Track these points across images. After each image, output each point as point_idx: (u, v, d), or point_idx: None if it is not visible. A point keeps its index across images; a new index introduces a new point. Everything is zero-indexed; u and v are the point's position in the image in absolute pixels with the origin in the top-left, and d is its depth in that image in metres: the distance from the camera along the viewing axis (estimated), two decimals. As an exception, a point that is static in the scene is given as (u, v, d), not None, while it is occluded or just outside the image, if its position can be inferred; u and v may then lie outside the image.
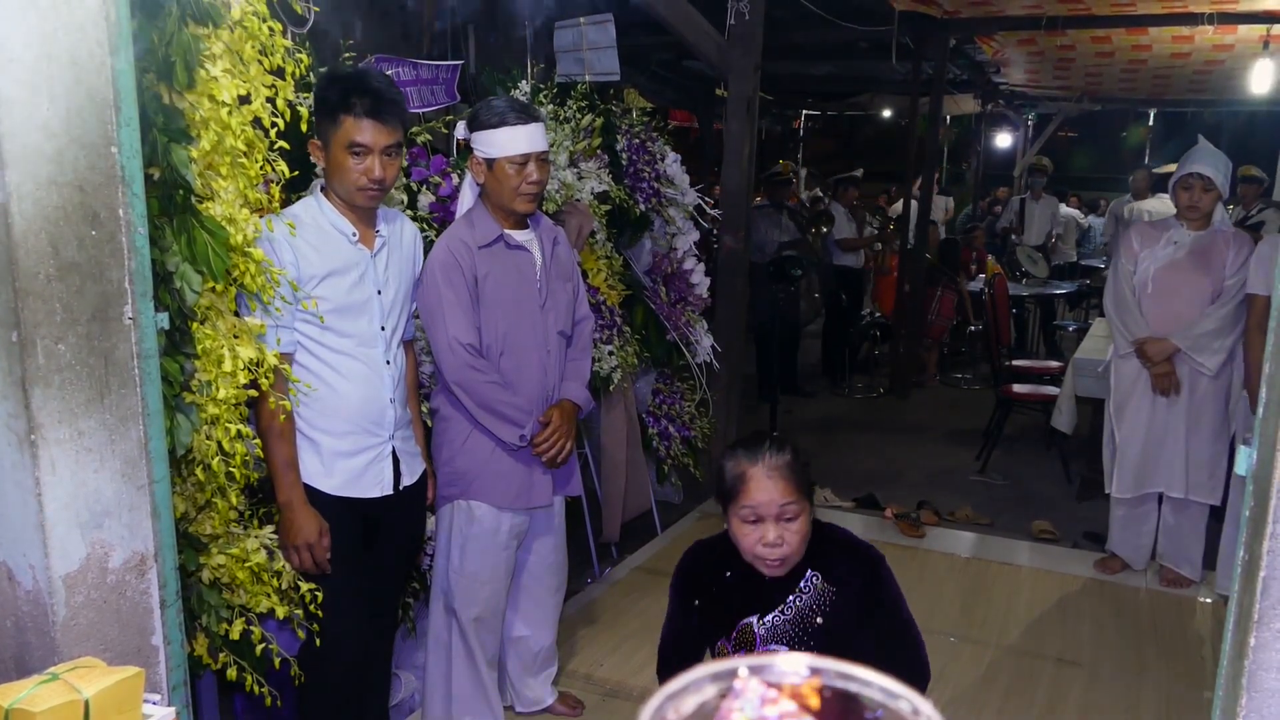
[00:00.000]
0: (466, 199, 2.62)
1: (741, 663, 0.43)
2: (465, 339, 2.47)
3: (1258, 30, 6.41)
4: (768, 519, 1.83)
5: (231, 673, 2.01)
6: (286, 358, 2.17)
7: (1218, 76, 8.47)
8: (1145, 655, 3.40)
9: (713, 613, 1.97)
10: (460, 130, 2.61)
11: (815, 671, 0.42)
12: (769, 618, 1.90)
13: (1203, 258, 3.68)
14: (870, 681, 0.42)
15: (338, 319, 2.25)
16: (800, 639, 1.88)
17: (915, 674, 1.92)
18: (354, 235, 2.28)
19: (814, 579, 1.90)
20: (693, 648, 2.02)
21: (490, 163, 2.49)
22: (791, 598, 1.90)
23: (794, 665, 0.43)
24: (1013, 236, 9.43)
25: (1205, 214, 3.70)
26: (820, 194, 7.85)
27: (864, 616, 1.90)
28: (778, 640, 1.89)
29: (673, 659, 2.05)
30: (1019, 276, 8.73)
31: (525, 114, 2.50)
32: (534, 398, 2.59)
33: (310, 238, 2.22)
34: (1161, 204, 8.45)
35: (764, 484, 1.83)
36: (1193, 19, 6.14)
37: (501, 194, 2.50)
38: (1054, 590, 3.91)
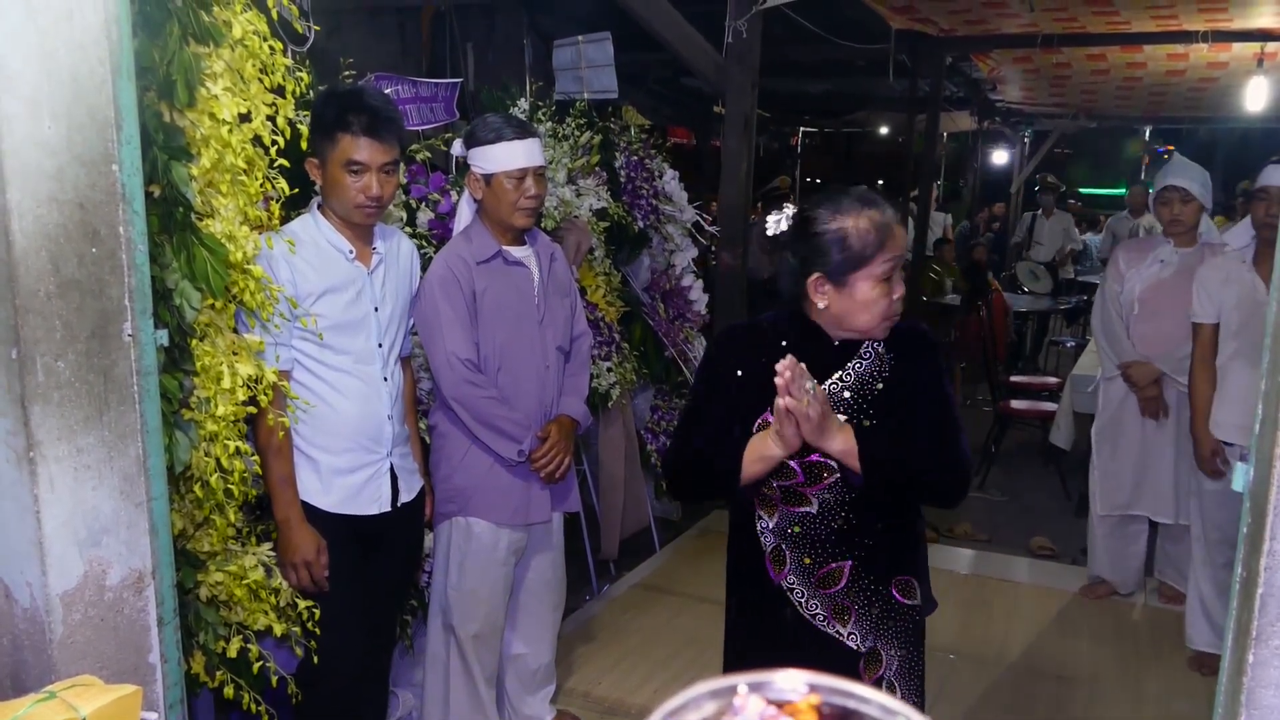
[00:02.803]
0: (464, 216, 2.63)
1: (741, 680, 0.43)
2: (463, 354, 2.47)
3: (1251, 48, 6.46)
4: (895, 272, 1.76)
5: (229, 691, 2.00)
6: (284, 375, 2.17)
7: (1213, 93, 8.52)
8: (1145, 672, 3.39)
9: (760, 384, 1.79)
10: (456, 148, 2.63)
11: (813, 689, 0.43)
12: (828, 384, 1.81)
13: (1189, 276, 3.54)
14: (868, 699, 0.43)
15: (335, 336, 2.25)
16: (859, 405, 1.81)
17: (955, 465, 1.82)
18: (351, 252, 2.28)
19: (874, 345, 1.83)
20: (723, 428, 1.87)
21: (488, 178, 2.50)
22: (852, 364, 1.82)
23: (792, 683, 0.43)
24: (1024, 252, 9.48)
25: (1190, 227, 3.63)
26: None
27: (918, 390, 1.82)
28: (837, 407, 1.80)
29: (692, 441, 1.90)
30: (1020, 293, 8.77)
31: (522, 129, 2.52)
32: (532, 413, 2.59)
33: (307, 255, 2.22)
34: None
35: (898, 231, 1.77)
36: (1187, 37, 6.19)
37: (500, 209, 2.51)
38: (1053, 606, 3.90)
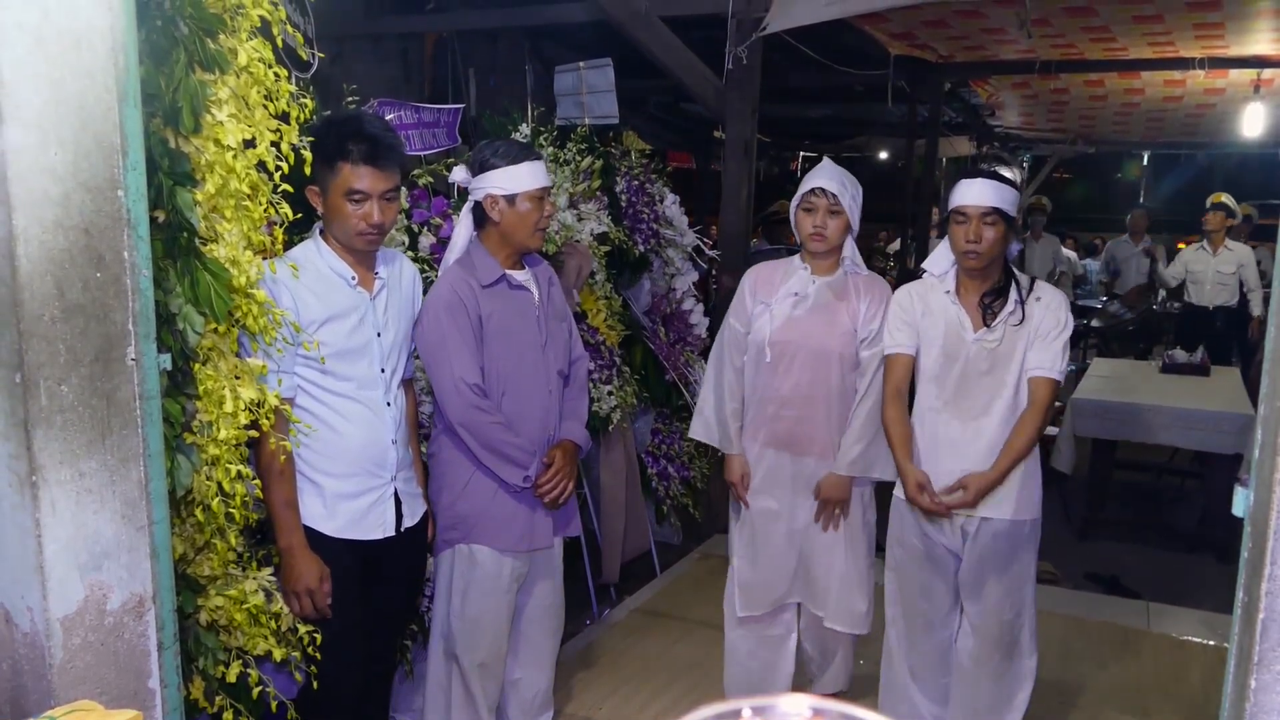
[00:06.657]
0: (459, 243, 2.60)
1: (744, 704, 0.43)
2: (470, 379, 2.46)
3: (1248, 75, 6.49)
4: None
5: (228, 716, 1.99)
6: (286, 403, 2.17)
7: (1210, 119, 8.56)
8: (1148, 698, 3.37)
9: None
10: (459, 174, 2.60)
11: (817, 713, 0.43)
12: None
13: (831, 312, 2.81)
14: (871, 723, 0.43)
15: (338, 362, 2.25)
16: None
17: None
18: (353, 279, 2.29)
19: None
20: None
21: (511, 198, 2.51)
22: None
23: (795, 706, 0.43)
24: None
25: (834, 246, 2.88)
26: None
27: None
28: None
29: None
30: None
31: (535, 152, 2.58)
32: (536, 438, 2.58)
33: (309, 282, 2.22)
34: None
35: None
36: (1184, 64, 6.22)
37: (519, 230, 2.53)
38: (1055, 631, 3.88)
